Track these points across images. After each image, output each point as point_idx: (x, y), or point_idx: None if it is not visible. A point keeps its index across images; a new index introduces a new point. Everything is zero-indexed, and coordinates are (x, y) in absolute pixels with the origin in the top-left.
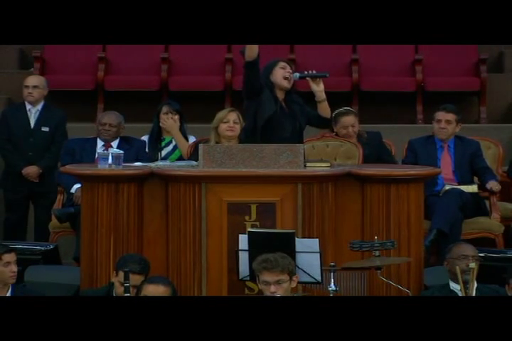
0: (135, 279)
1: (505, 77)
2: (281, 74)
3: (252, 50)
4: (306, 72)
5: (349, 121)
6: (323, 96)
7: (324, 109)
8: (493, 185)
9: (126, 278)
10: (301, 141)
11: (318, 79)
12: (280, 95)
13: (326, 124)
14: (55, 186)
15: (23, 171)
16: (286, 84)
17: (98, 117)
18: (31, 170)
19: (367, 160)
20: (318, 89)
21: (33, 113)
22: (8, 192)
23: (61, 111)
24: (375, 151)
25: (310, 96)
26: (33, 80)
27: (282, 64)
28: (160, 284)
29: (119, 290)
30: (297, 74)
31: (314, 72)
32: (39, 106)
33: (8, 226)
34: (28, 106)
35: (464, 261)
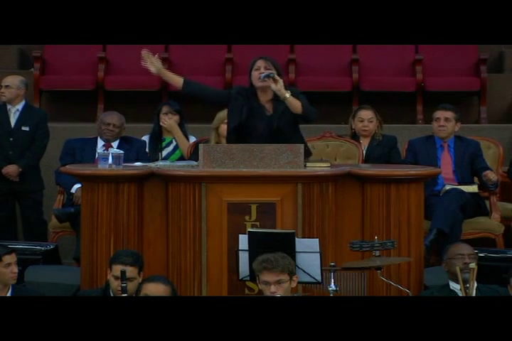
0: (128, 271)
1: (505, 77)
2: (256, 76)
3: (174, 84)
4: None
5: (366, 114)
6: (284, 94)
7: (293, 107)
8: (489, 173)
9: (123, 278)
10: (281, 141)
11: (276, 79)
12: (265, 97)
13: (303, 119)
14: (39, 185)
15: (3, 170)
16: (259, 84)
17: (100, 117)
18: (11, 169)
19: (375, 161)
20: (276, 88)
21: (12, 112)
22: None
23: (42, 110)
24: (387, 154)
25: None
26: (6, 80)
27: (257, 65)
28: (160, 283)
29: (113, 285)
30: (262, 75)
31: (271, 72)
32: (19, 106)
33: None
34: (8, 106)
35: (461, 260)
